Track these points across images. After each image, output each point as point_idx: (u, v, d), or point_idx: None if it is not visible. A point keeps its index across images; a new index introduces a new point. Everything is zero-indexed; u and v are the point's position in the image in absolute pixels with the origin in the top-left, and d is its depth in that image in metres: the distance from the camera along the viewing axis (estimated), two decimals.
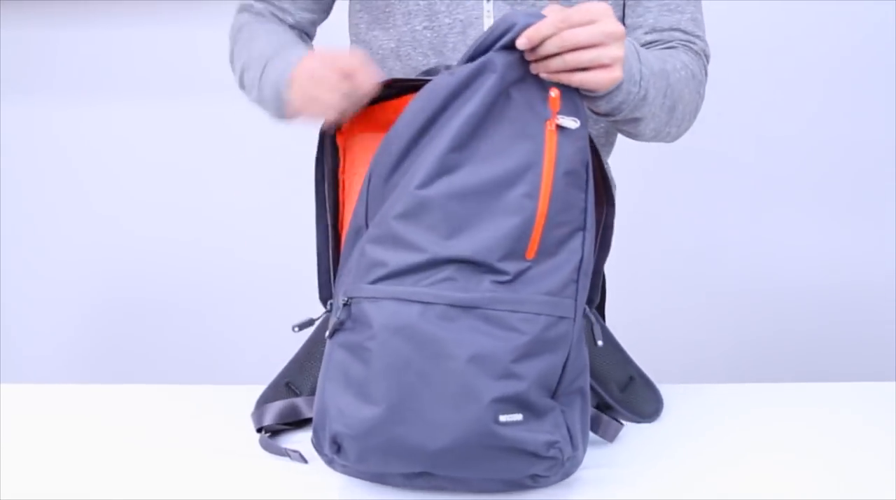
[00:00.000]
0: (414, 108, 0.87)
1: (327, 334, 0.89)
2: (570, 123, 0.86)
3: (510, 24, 0.85)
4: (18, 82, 2.13)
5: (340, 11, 1.23)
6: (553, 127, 0.85)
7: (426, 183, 0.85)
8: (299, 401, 1.03)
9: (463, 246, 0.84)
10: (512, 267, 0.85)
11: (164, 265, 2.20)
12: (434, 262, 0.84)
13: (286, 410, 1.03)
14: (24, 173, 2.18)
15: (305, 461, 0.96)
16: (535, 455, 0.85)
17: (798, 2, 1.98)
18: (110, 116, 2.13)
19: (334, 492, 0.92)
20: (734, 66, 1.95)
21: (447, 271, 0.84)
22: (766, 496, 0.91)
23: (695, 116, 1.10)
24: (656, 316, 2.05)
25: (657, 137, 1.06)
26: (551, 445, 0.86)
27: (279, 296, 2.15)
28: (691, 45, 1.09)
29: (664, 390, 1.11)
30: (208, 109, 2.09)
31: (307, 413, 1.01)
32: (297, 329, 0.96)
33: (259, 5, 1.19)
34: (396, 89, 0.95)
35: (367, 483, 0.91)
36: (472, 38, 1.06)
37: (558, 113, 0.86)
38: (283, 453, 0.97)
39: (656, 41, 1.10)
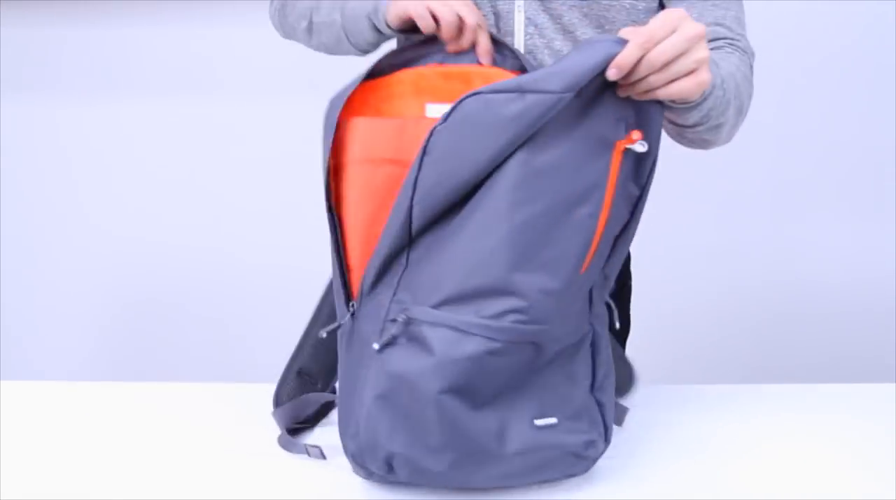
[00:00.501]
0: (505, 123, 0.84)
1: (377, 346, 0.87)
2: (640, 146, 0.85)
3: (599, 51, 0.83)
4: (19, 82, 2.12)
5: None
6: (622, 148, 0.85)
7: (505, 206, 0.84)
8: (314, 397, 1.04)
9: (532, 276, 0.84)
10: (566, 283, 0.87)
11: (173, 264, 2.20)
12: (500, 291, 0.84)
13: (305, 406, 1.04)
14: (25, 173, 2.18)
15: (324, 458, 0.97)
16: (575, 456, 0.90)
17: (813, 2, 1.99)
18: (119, 114, 2.13)
19: (357, 491, 0.93)
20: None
21: (513, 301, 0.84)
22: (767, 496, 0.92)
23: (745, 115, 1.08)
24: (653, 317, 2.05)
25: (723, 142, 1.05)
26: (588, 444, 0.91)
27: (289, 293, 2.16)
28: (736, 43, 1.07)
29: (665, 391, 1.12)
30: (214, 108, 2.10)
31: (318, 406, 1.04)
32: (324, 335, 0.95)
33: None
34: (392, 65, 0.95)
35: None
36: (504, 30, 1.07)
37: (630, 135, 0.86)
38: (303, 450, 0.98)
39: None
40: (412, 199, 0.87)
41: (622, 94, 0.85)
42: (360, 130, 0.92)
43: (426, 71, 0.96)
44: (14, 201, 2.20)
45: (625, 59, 0.82)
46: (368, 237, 0.91)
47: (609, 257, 0.91)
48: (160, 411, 1.11)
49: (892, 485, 0.93)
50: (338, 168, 0.93)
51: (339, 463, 0.95)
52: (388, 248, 0.89)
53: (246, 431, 1.05)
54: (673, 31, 0.83)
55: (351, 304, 0.93)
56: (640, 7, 1.07)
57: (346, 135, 0.93)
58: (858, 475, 0.96)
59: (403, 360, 0.86)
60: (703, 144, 1.05)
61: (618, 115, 0.85)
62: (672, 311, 2.09)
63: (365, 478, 0.91)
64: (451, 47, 0.96)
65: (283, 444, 1.00)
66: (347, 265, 0.93)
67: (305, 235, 2.09)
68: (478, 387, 0.85)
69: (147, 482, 0.95)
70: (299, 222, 2.06)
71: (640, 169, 0.88)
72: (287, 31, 1.19)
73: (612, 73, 0.83)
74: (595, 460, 0.93)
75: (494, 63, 0.97)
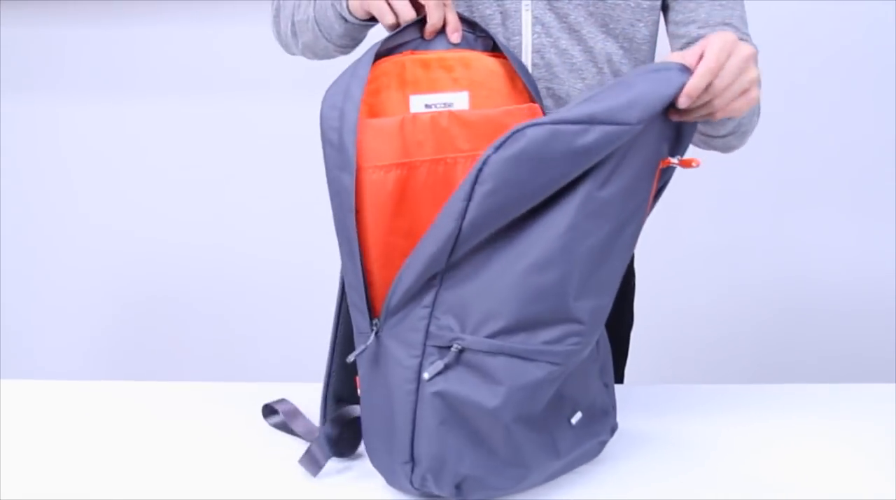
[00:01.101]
0: (575, 156, 0.82)
1: (427, 376, 0.86)
2: (675, 162, 0.88)
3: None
4: (20, 81, 2.13)
5: None
6: (662, 166, 0.87)
7: (567, 239, 0.83)
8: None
9: (590, 301, 0.86)
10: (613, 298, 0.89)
11: (176, 262, 2.20)
12: (562, 318, 0.85)
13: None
14: (29, 172, 2.18)
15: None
16: (601, 443, 0.97)
17: (814, 2, 1.99)
18: (121, 113, 2.13)
19: (380, 491, 0.93)
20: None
21: (574, 326, 0.86)
22: (768, 496, 0.92)
23: None
24: (656, 316, 2.05)
25: (743, 144, 1.09)
26: (611, 429, 0.98)
27: (293, 291, 2.16)
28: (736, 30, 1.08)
29: (665, 391, 1.12)
30: (216, 107, 2.10)
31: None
32: (352, 359, 0.91)
33: None
34: (378, 53, 0.94)
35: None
36: (511, 29, 1.08)
37: (670, 156, 0.88)
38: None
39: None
40: (460, 228, 0.83)
41: (678, 118, 0.87)
42: (365, 135, 0.89)
43: (406, 60, 0.95)
44: (16, 200, 2.20)
45: (695, 88, 0.83)
46: (387, 249, 0.89)
47: None
48: (162, 411, 1.11)
49: (893, 485, 0.94)
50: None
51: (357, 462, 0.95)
52: (422, 269, 0.86)
53: (248, 430, 1.06)
54: (730, 56, 0.85)
55: (375, 322, 0.90)
56: (644, 6, 1.08)
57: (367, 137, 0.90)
58: (860, 476, 0.96)
59: (465, 388, 0.85)
60: (726, 149, 1.08)
61: (663, 135, 0.87)
62: (672, 310, 2.10)
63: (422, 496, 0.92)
64: (424, 33, 0.96)
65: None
66: (368, 280, 0.90)
67: (309, 234, 2.09)
68: (536, 408, 0.87)
69: (149, 482, 0.95)
70: (303, 220, 2.07)
71: (665, 179, 0.91)
72: (284, 43, 1.19)
73: (683, 102, 0.84)
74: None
75: (466, 43, 0.97)
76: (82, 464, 0.99)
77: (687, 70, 0.84)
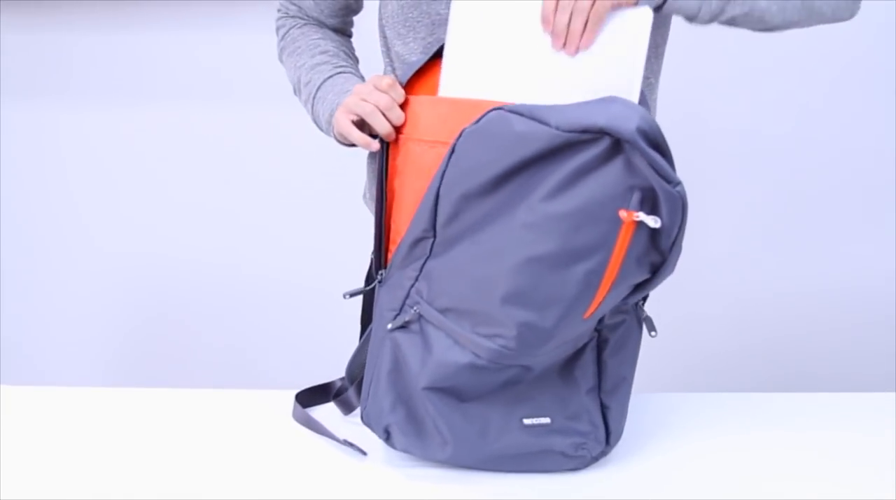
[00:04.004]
0: (511, 142, 0.86)
1: (389, 326, 0.97)
2: (652, 222, 0.81)
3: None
4: (21, 87, 2.12)
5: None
6: (631, 218, 0.82)
7: (513, 243, 0.86)
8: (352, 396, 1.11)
9: (521, 312, 0.87)
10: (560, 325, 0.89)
11: (182, 268, 2.20)
12: (491, 317, 0.89)
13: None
14: (28, 176, 2.18)
15: (364, 453, 1.01)
16: (564, 455, 0.96)
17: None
18: (128, 120, 2.13)
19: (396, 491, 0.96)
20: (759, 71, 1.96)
21: (500, 329, 0.89)
22: None
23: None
24: (659, 328, 2.05)
25: (812, 17, 1.04)
26: (579, 446, 0.96)
27: (297, 298, 2.16)
28: None
29: (665, 399, 1.13)
30: (222, 115, 2.11)
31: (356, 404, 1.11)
32: (348, 296, 1.04)
33: (293, 8, 1.24)
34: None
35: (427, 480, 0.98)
36: None
37: (639, 210, 0.82)
38: (345, 443, 1.01)
39: None
40: (438, 190, 0.92)
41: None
42: (416, 109, 0.97)
43: None
44: (20, 208, 2.20)
45: (545, 10, 0.90)
46: (411, 214, 0.96)
47: (629, 295, 0.92)
48: (169, 417, 1.12)
49: (893, 495, 0.95)
50: (396, 140, 0.99)
51: (365, 466, 0.99)
52: (415, 232, 0.95)
53: (255, 438, 1.07)
54: None
55: (381, 272, 1.00)
56: None
57: (406, 110, 0.98)
58: (863, 485, 0.97)
59: (409, 348, 0.96)
60: (768, 30, 1.05)
61: (629, 183, 0.82)
62: (678, 319, 2.10)
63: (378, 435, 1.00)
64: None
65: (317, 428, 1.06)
66: (387, 235, 1.00)
67: (319, 240, 2.10)
68: (462, 389, 0.93)
69: (153, 487, 0.96)
70: (313, 226, 2.07)
71: (660, 241, 0.85)
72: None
73: (546, 27, 0.91)
74: (591, 459, 0.98)
75: None
76: (87, 470, 0.99)
77: (636, 107, 0.83)
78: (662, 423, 1.10)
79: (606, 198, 0.83)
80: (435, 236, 0.94)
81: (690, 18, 0.99)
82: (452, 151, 0.90)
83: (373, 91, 0.98)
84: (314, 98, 1.12)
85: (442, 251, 0.94)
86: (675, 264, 0.88)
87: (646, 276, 0.88)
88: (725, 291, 2.14)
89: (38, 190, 2.18)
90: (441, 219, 0.93)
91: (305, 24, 1.22)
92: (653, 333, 1.00)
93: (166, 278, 2.21)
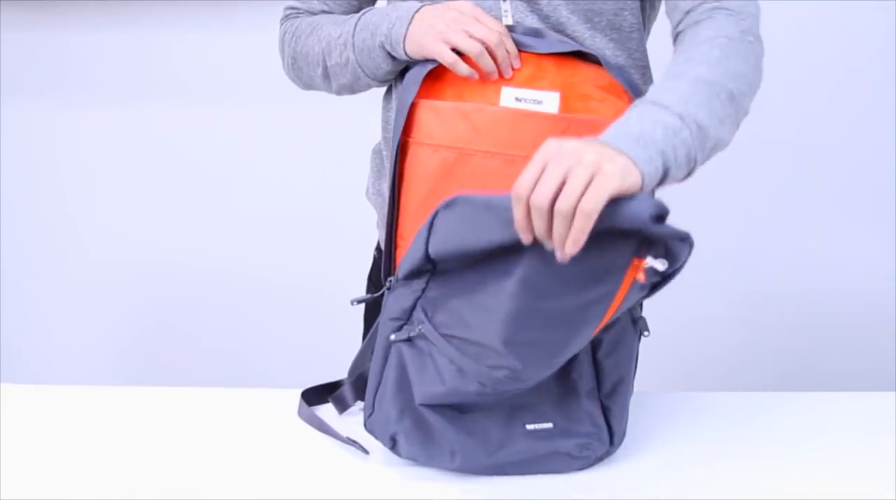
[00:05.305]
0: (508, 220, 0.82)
1: (393, 337, 0.96)
2: (659, 265, 0.78)
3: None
4: (21, 86, 2.12)
5: None
6: (641, 266, 0.79)
7: (511, 294, 0.84)
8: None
9: (525, 349, 0.86)
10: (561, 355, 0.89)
11: (185, 268, 2.20)
12: (496, 353, 0.87)
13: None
14: (28, 177, 2.18)
15: (367, 452, 1.01)
16: (570, 456, 0.96)
17: (805, 3, 1.98)
18: (130, 119, 2.13)
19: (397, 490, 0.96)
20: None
21: (507, 361, 0.87)
22: None
23: (760, 70, 0.97)
24: (662, 327, 2.05)
25: (733, 134, 0.96)
26: (584, 447, 0.96)
27: (299, 300, 2.16)
28: (722, 4, 0.98)
29: (666, 399, 1.13)
30: (226, 115, 2.10)
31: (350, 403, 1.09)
32: (355, 303, 1.04)
33: (304, 6, 1.18)
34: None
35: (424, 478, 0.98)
36: None
37: (647, 256, 0.78)
38: (349, 441, 1.01)
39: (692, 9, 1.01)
40: (427, 244, 0.91)
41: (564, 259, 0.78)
42: (422, 113, 0.96)
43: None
44: (21, 207, 2.20)
45: (517, 219, 0.77)
46: (417, 219, 0.95)
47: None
48: (171, 416, 1.12)
49: (893, 495, 0.95)
50: (405, 145, 0.98)
51: (367, 465, 0.99)
52: (414, 260, 0.93)
53: (258, 436, 1.07)
54: (543, 165, 0.76)
55: (390, 279, 0.99)
56: None
57: (414, 114, 0.97)
58: (865, 484, 0.97)
59: (415, 368, 0.95)
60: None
61: (632, 250, 0.79)
62: (677, 320, 2.10)
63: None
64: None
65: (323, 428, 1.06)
66: (396, 242, 1.00)
67: (323, 242, 2.09)
68: (464, 405, 0.94)
69: (154, 486, 0.96)
70: (318, 228, 2.07)
71: (665, 270, 0.81)
72: (306, 82, 1.18)
73: (526, 239, 0.78)
74: (595, 459, 0.98)
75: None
76: (89, 469, 0.99)
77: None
78: (663, 422, 1.10)
79: (607, 266, 0.80)
80: (434, 268, 0.93)
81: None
82: (429, 232, 0.90)
83: (478, 25, 0.94)
84: (353, 35, 1.05)
85: (443, 282, 0.93)
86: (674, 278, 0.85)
87: (646, 292, 0.87)
88: (726, 291, 2.14)
89: (38, 190, 2.19)
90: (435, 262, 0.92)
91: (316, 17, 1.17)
92: (645, 333, 1.00)
93: (167, 278, 2.20)
